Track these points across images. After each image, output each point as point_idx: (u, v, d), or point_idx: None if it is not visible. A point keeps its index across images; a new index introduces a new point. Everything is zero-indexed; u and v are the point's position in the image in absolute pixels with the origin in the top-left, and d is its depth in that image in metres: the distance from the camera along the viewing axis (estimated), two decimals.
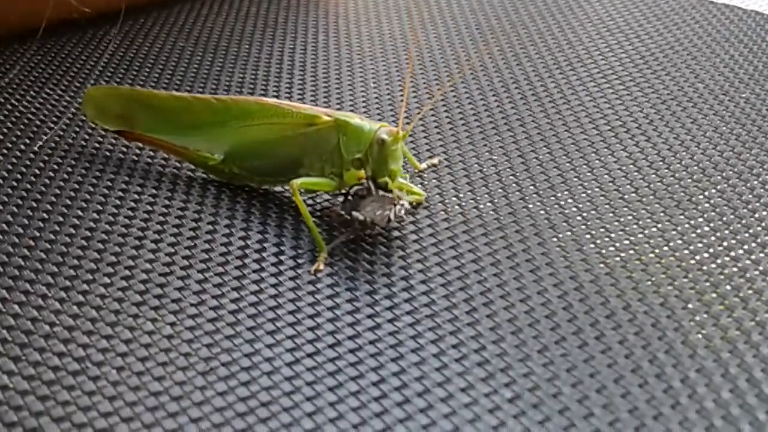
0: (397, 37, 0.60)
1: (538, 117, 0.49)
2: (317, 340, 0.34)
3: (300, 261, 0.38)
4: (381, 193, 0.39)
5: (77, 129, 0.48)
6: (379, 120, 0.49)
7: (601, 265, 0.37)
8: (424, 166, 0.45)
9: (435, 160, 0.45)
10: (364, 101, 0.52)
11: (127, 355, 0.33)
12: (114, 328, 0.34)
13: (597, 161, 0.45)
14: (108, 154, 0.46)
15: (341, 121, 0.40)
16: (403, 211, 0.38)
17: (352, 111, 0.50)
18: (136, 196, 0.42)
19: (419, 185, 0.43)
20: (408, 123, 0.47)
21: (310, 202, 0.42)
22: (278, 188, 0.43)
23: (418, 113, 0.50)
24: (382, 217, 0.37)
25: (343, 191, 0.41)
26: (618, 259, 0.38)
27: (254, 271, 0.38)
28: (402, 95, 0.52)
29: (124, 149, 0.47)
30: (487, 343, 0.34)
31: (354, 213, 0.37)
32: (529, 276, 0.37)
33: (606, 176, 0.44)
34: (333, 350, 0.33)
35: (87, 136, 0.47)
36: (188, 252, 0.39)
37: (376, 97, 0.52)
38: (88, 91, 0.45)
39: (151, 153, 0.46)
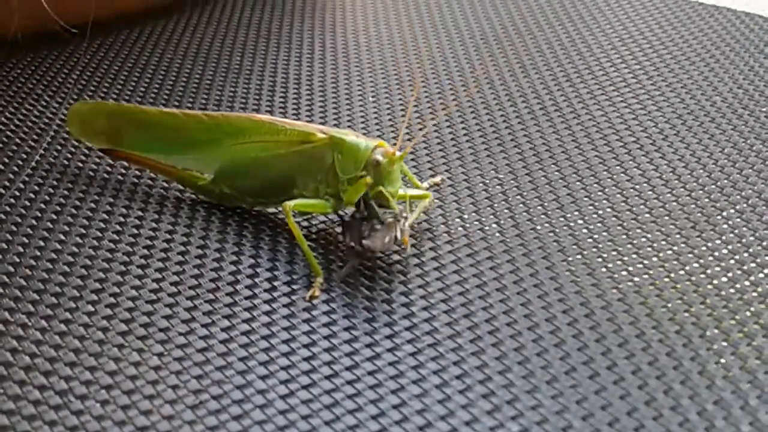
0: (397, 48, 0.61)
1: (546, 132, 0.50)
2: (313, 371, 0.34)
3: (295, 287, 0.39)
4: (381, 214, 0.39)
5: (59, 147, 0.49)
6: (379, 137, 0.50)
7: (614, 291, 0.38)
8: (426, 185, 0.45)
9: (437, 179, 0.46)
10: (362, 117, 0.52)
11: (111, 387, 0.33)
12: (98, 359, 0.35)
13: (609, 180, 0.45)
14: (92, 173, 0.47)
15: (336, 138, 0.40)
16: (406, 225, 0.39)
17: (350, 128, 0.50)
18: (121, 219, 0.43)
19: (422, 219, 0.44)
20: (409, 140, 0.48)
21: (305, 224, 0.43)
22: (272, 209, 0.43)
23: (420, 128, 0.50)
24: (389, 242, 0.38)
25: (339, 214, 0.41)
26: (631, 284, 0.38)
27: (246, 298, 0.38)
28: (403, 110, 0.53)
29: (109, 168, 0.47)
30: (493, 374, 0.34)
31: (366, 242, 0.38)
32: (537, 302, 0.37)
33: (618, 195, 0.44)
34: (330, 382, 0.34)
35: (70, 155, 0.48)
36: (176, 278, 0.39)
37: (375, 113, 0.53)
38: (73, 107, 0.46)
39: (138, 173, 0.47)
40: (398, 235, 0.38)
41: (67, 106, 0.47)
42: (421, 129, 0.50)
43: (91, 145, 0.46)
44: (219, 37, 0.62)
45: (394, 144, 0.40)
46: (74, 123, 0.46)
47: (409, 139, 0.48)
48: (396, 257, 0.40)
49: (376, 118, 0.52)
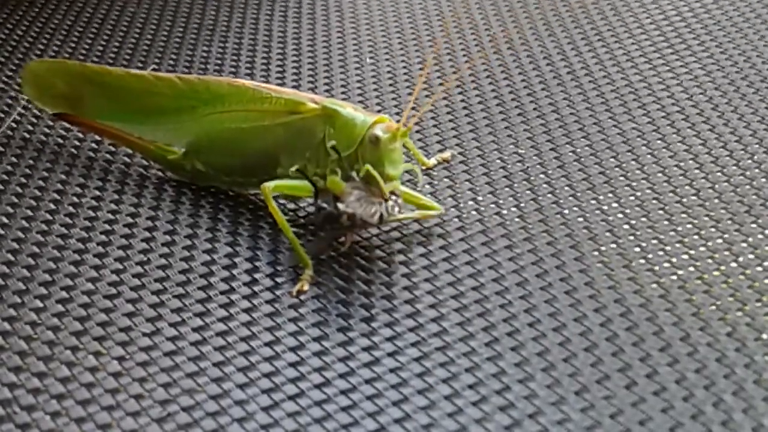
0: (401, 3, 0.60)
1: (575, 101, 0.50)
2: (301, 379, 0.34)
3: (279, 280, 0.38)
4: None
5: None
6: (380, 109, 0.49)
7: (654, 286, 0.38)
8: (433, 161, 0.45)
9: (447, 155, 0.45)
10: (359, 83, 0.52)
11: (64, 397, 0.33)
12: (48, 363, 0.34)
13: (648, 156, 0.45)
14: (41, 143, 0.46)
15: (330, 109, 0.40)
16: (397, 209, 0.38)
17: (345, 99, 0.50)
18: (75, 198, 0.43)
19: (429, 193, 0.43)
20: (414, 111, 0.48)
21: (291, 206, 0.42)
22: (253, 190, 0.43)
23: (428, 95, 0.50)
24: (372, 213, 0.37)
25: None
26: (675, 278, 0.38)
27: (222, 293, 0.38)
28: (407, 75, 0.52)
29: (62, 136, 0.47)
30: (512, 383, 0.34)
31: (340, 206, 0.37)
32: (563, 299, 0.37)
33: (660, 175, 0.44)
34: (320, 392, 0.33)
35: (14, 123, 0.48)
36: (140, 269, 0.39)
37: (374, 78, 0.52)
38: (28, 65, 0.46)
39: (95, 144, 0.46)
40: (384, 213, 0.38)
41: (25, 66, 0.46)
42: (429, 96, 0.50)
43: (45, 108, 0.46)
44: None
45: (398, 120, 0.39)
46: (30, 83, 0.46)
47: (414, 110, 0.48)
48: (398, 245, 0.40)
49: (375, 84, 0.52)
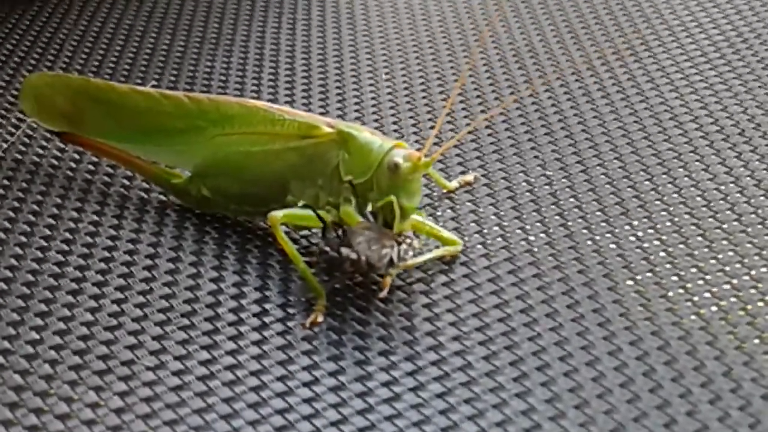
0: (416, 13, 0.61)
1: (606, 119, 0.50)
2: (315, 416, 0.34)
3: (291, 311, 0.39)
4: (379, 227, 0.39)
5: None
6: (398, 139, 0.49)
7: (693, 317, 0.38)
8: (455, 184, 0.45)
9: (470, 177, 0.46)
10: (375, 109, 0.52)
11: None
12: (45, 399, 0.35)
13: (686, 178, 0.45)
14: (34, 164, 0.47)
15: (345, 133, 0.40)
16: (411, 253, 0.39)
17: (359, 120, 0.50)
18: (71, 224, 0.43)
19: (451, 218, 0.44)
20: (438, 143, 0.47)
21: (303, 233, 0.43)
22: (261, 220, 0.43)
23: (455, 137, 0.49)
24: (380, 256, 0.38)
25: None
26: (716, 309, 0.38)
27: (231, 324, 0.38)
28: (427, 97, 0.53)
29: (57, 156, 0.48)
30: (543, 420, 0.34)
31: (343, 249, 0.38)
32: (597, 331, 0.37)
33: (698, 198, 0.44)
34: (337, 430, 0.34)
35: (4, 142, 0.48)
36: (142, 299, 0.39)
37: (391, 105, 0.52)
38: (28, 79, 0.47)
39: (92, 165, 0.47)
40: (394, 256, 0.38)
41: (22, 79, 0.47)
42: (452, 122, 0.50)
43: (44, 125, 0.47)
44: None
45: (418, 148, 0.39)
46: (28, 98, 0.46)
47: (437, 143, 0.47)
48: (418, 274, 0.40)
49: (391, 102, 0.52)
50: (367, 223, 0.39)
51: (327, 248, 0.38)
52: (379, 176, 0.39)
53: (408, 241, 0.39)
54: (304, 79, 0.54)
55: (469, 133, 0.48)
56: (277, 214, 0.39)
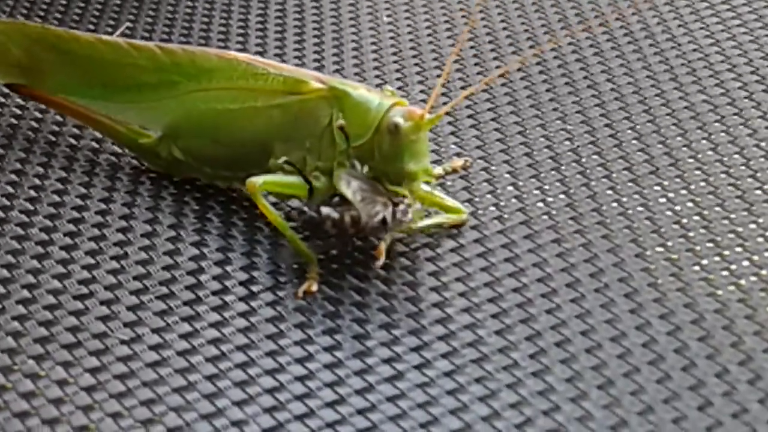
0: None
1: (633, 67, 0.50)
2: (309, 396, 0.34)
3: (282, 279, 0.39)
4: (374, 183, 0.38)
5: None
6: (402, 89, 0.49)
7: (731, 288, 0.38)
8: (439, 171, 0.43)
9: (459, 162, 0.44)
10: (376, 60, 0.52)
11: (27, 415, 0.33)
12: (8, 375, 0.35)
13: (723, 134, 0.45)
14: None
15: (339, 90, 0.40)
16: (409, 215, 0.38)
17: (359, 80, 0.49)
18: (37, 182, 0.43)
19: (461, 177, 0.44)
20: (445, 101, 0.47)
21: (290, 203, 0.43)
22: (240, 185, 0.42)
23: (464, 92, 0.48)
24: (370, 216, 0.37)
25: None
26: (755, 278, 0.38)
27: (214, 293, 0.38)
28: (433, 49, 0.52)
29: (17, 113, 0.47)
30: (562, 401, 0.34)
31: (323, 209, 0.38)
32: (622, 303, 0.37)
33: (736, 156, 0.44)
34: (333, 411, 0.34)
35: None
36: (116, 264, 0.39)
37: (396, 60, 0.52)
38: None
39: (58, 120, 0.47)
40: (388, 218, 0.37)
41: None
42: (463, 79, 0.50)
43: None
44: None
45: (422, 105, 0.39)
46: None
47: (444, 102, 0.47)
48: (424, 239, 0.40)
49: (397, 68, 0.52)
50: (356, 172, 0.39)
51: (305, 208, 0.38)
52: (379, 138, 0.39)
53: (406, 201, 0.38)
54: (297, 33, 0.54)
55: (477, 65, 0.48)
56: (257, 181, 0.39)
